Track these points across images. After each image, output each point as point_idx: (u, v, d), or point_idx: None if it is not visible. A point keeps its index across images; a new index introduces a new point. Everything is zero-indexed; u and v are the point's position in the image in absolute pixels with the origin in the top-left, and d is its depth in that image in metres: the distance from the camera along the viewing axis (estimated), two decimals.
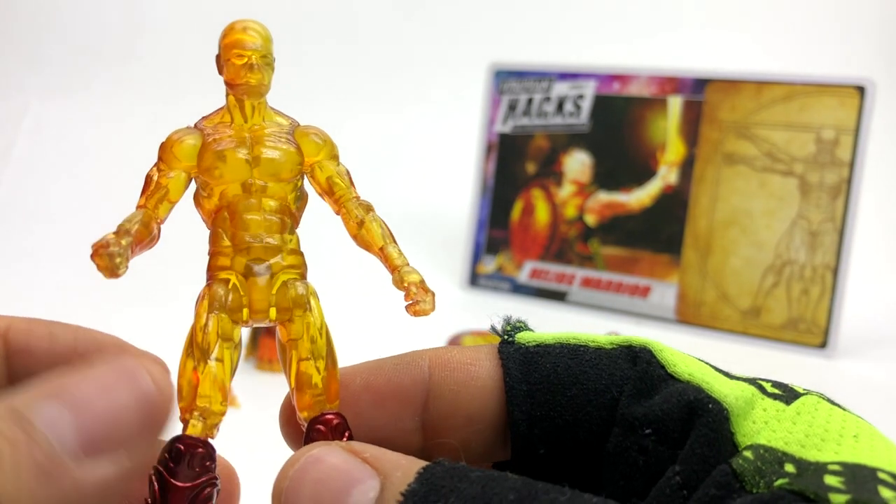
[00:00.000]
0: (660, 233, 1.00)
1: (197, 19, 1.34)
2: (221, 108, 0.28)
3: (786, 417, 0.22)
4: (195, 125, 0.27)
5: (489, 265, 1.09)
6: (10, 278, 0.95)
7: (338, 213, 0.28)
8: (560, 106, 1.06)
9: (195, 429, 0.24)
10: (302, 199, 0.28)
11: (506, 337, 0.27)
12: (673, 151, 0.99)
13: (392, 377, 0.26)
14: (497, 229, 1.09)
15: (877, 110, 0.88)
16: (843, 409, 0.23)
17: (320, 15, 1.38)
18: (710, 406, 0.22)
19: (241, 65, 0.26)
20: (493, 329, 0.28)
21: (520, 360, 0.26)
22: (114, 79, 1.30)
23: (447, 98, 1.33)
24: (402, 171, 1.31)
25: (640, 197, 1.01)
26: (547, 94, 1.07)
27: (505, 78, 1.09)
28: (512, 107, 1.09)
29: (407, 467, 0.21)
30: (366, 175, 1.35)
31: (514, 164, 1.09)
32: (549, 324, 0.98)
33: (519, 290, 1.07)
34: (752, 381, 0.24)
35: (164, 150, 0.27)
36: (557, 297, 1.04)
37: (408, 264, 0.27)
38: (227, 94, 0.27)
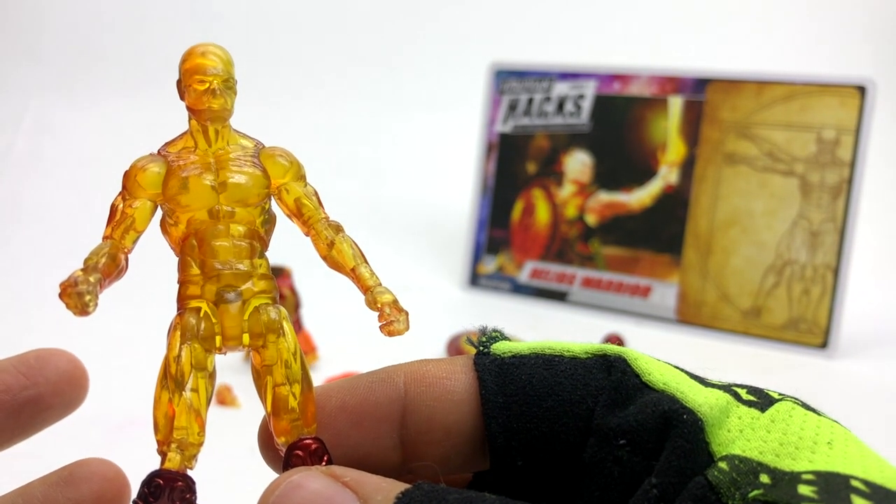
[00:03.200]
0: (660, 233, 1.00)
1: (197, 19, 1.34)
2: (184, 133, 0.27)
3: (760, 426, 0.22)
4: (158, 152, 0.27)
5: (489, 265, 1.09)
6: (10, 278, 0.95)
7: (307, 235, 0.28)
8: (560, 106, 1.06)
9: (173, 462, 0.24)
10: (270, 221, 0.28)
11: (481, 348, 0.27)
12: (673, 151, 0.99)
13: (367, 396, 0.26)
14: (497, 229, 1.09)
15: (877, 110, 0.88)
16: (818, 415, 0.23)
17: (320, 15, 1.38)
18: (685, 416, 0.22)
19: (203, 90, 0.26)
20: (469, 340, 0.27)
21: (495, 371, 0.26)
22: (114, 78, 1.30)
23: (447, 98, 1.33)
24: (402, 170, 1.31)
25: (640, 197, 1.01)
26: (547, 93, 1.06)
27: (505, 78, 1.09)
28: (512, 107, 1.09)
29: (387, 490, 0.21)
30: (366, 175, 1.35)
31: (514, 164, 1.09)
32: (549, 324, 0.98)
33: (519, 290, 1.07)
34: (727, 388, 0.24)
35: (128, 178, 0.26)
36: (558, 297, 1.04)
37: (380, 284, 0.27)
38: (190, 119, 0.27)
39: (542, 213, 1.07)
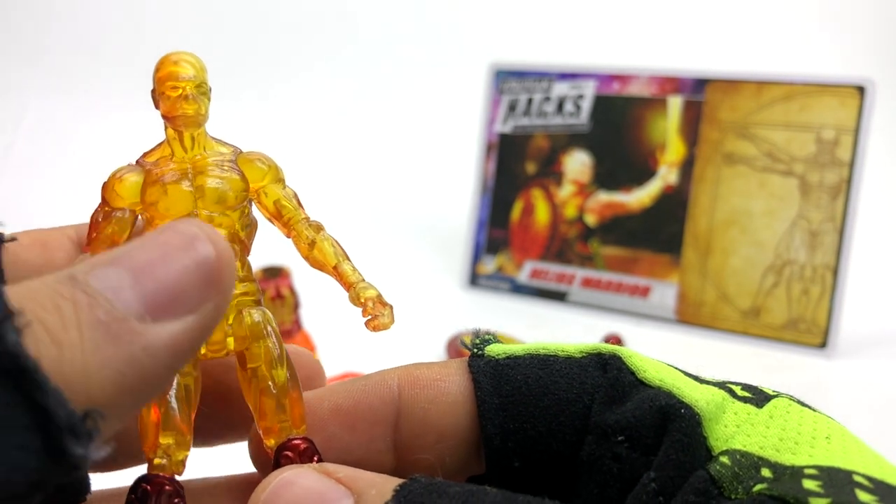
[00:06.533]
0: (660, 233, 1.00)
1: (197, 19, 1.34)
2: (162, 143, 0.27)
3: (759, 421, 0.22)
4: (137, 162, 0.27)
5: (489, 265, 1.09)
6: None
7: (288, 237, 0.28)
8: (560, 106, 1.06)
9: (160, 467, 0.24)
10: (251, 226, 0.28)
11: (475, 350, 0.27)
12: (673, 151, 0.99)
13: (361, 398, 0.26)
14: (497, 229, 1.09)
15: (877, 110, 0.88)
16: (814, 411, 0.23)
17: (320, 15, 1.38)
18: (682, 411, 0.22)
19: (177, 96, 0.26)
20: (463, 343, 0.27)
21: (490, 373, 0.26)
22: (114, 78, 1.30)
23: (447, 98, 1.33)
24: (402, 170, 1.31)
25: (640, 197, 1.01)
26: (547, 94, 1.06)
27: (505, 78, 1.09)
28: (512, 107, 1.09)
29: (382, 485, 0.21)
30: (366, 175, 1.35)
31: (514, 164, 1.09)
32: (549, 324, 0.98)
33: (519, 290, 1.07)
34: (722, 385, 0.24)
35: (107, 189, 0.26)
36: (557, 297, 1.04)
37: (363, 280, 0.27)
38: (166, 128, 0.27)
39: (542, 214, 1.07)
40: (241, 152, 0.28)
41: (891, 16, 1.26)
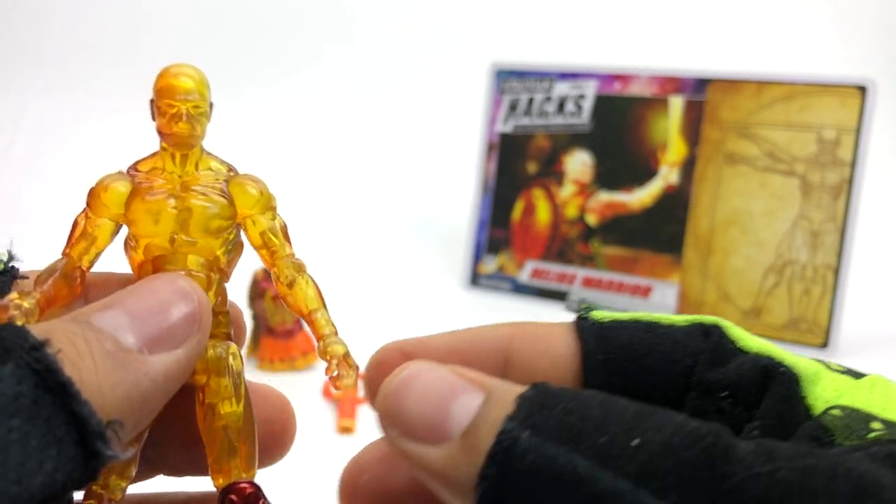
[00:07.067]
0: (661, 233, 0.99)
1: (197, 17, 1.34)
2: (157, 152, 0.27)
3: (860, 387, 0.23)
4: (127, 171, 0.27)
5: (490, 265, 1.09)
6: None
7: (270, 269, 0.27)
8: (561, 106, 1.06)
9: (98, 496, 0.25)
10: (235, 250, 0.27)
11: (582, 313, 0.27)
12: (674, 151, 0.99)
13: (475, 343, 0.27)
14: (498, 229, 1.09)
15: (878, 110, 0.88)
16: None
17: (320, 15, 1.38)
18: (782, 369, 0.23)
19: (172, 114, 0.25)
20: (568, 308, 0.29)
21: (596, 332, 0.26)
22: (114, 78, 1.30)
23: (447, 98, 1.33)
24: (403, 170, 1.31)
25: (641, 197, 1.01)
26: (548, 93, 1.06)
27: (506, 78, 1.09)
28: (513, 106, 1.09)
29: (511, 387, 0.21)
30: (367, 175, 1.35)
31: (515, 164, 1.09)
32: None
33: (520, 289, 1.07)
34: (815, 360, 0.25)
35: (92, 196, 0.26)
36: (558, 296, 1.04)
37: (335, 334, 0.26)
38: (161, 140, 0.26)
39: (543, 213, 1.07)
40: (234, 174, 0.27)
41: (892, 16, 1.26)
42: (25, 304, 0.24)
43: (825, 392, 0.23)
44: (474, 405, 0.20)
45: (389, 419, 0.22)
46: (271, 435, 0.28)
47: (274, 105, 1.31)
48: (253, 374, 0.82)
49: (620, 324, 0.27)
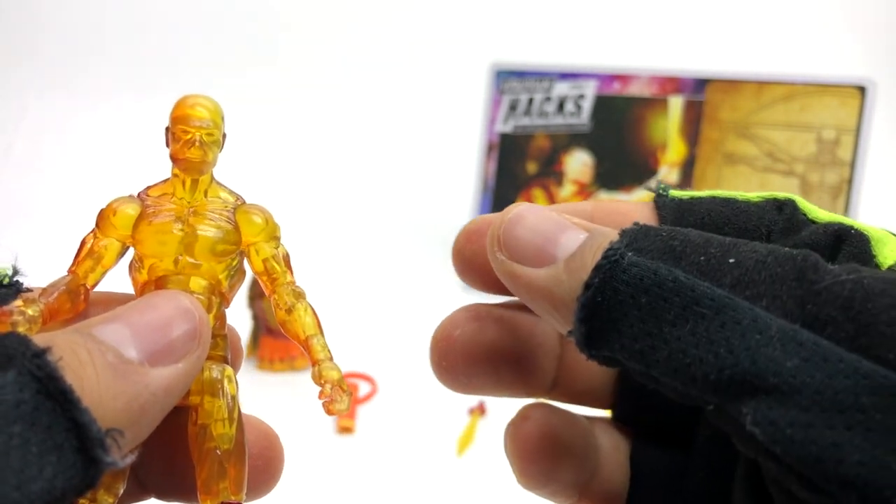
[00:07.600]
0: None
1: (197, 18, 1.34)
2: (168, 179, 0.27)
3: None
4: (138, 194, 0.27)
5: None
6: None
7: (271, 296, 0.28)
8: (561, 106, 1.06)
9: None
10: (237, 276, 0.28)
11: (660, 191, 0.28)
12: (674, 151, 0.99)
13: (563, 211, 0.28)
14: None
15: (877, 110, 0.88)
16: None
17: (320, 14, 1.38)
18: (853, 231, 0.24)
19: (186, 140, 0.26)
20: (648, 188, 0.29)
21: (674, 208, 0.27)
22: (114, 78, 1.30)
23: (448, 98, 1.33)
24: (403, 170, 1.31)
25: (641, 197, 1.01)
26: (548, 93, 1.06)
27: (506, 78, 1.09)
28: (513, 107, 1.09)
29: (612, 230, 0.22)
30: (367, 175, 1.35)
31: (514, 164, 1.09)
32: None
33: None
34: (883, 228, 0.26)
35: (102, 217, 0.27)
36: None
37: (330, 359, 0.27)
38: (173, 166, 0.27)
39: None
40: (242, 203, 0.28)
41: (891, 16, 1.26)
42: (30, 312, 0.24)
43: (894, 252, 0.24)
44: (580, 237, 0.23)
45: (501, 245, 0.24)
46: (257, 469, 0.28)
47: (273, 105, 1.31)
48: (253, 374, 0.82)
49: (698, 200, 0.28)
